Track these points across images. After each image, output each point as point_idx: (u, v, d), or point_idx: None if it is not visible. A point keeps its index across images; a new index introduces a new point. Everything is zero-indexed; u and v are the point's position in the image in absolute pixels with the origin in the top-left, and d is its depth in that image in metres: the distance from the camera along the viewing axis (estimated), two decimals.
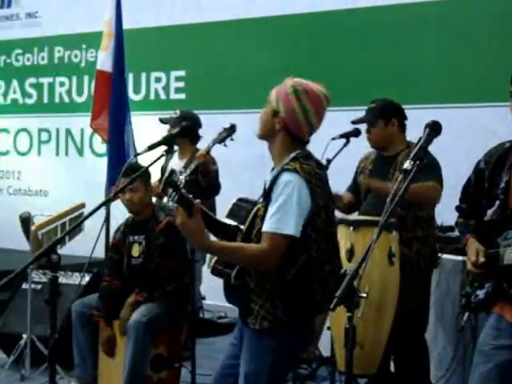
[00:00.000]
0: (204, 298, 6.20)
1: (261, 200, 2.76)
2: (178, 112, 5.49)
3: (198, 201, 2.56)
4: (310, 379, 4.76)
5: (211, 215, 2.78)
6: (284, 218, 2.58)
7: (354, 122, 4.30)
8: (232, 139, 4.51)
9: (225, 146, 4.48)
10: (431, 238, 4.18)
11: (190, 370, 4.36)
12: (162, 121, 5.56)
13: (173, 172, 2.42)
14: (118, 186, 3.31)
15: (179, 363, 4.43)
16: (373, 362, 3.96)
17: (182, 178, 2.43)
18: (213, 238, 2.79)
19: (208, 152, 4.73)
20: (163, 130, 5.57)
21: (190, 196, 2.55)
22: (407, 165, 2.46)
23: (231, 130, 4.46)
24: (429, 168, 3.93)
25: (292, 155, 2.71)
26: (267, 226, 2.60)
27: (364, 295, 2.36)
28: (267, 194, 2.68)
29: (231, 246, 2.68)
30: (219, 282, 6.90)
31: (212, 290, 6.47)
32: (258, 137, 2.86)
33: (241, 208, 2.84)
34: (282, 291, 2.65)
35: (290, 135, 2.76)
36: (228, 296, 2.85)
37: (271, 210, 2.61)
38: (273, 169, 2.82)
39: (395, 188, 2.43)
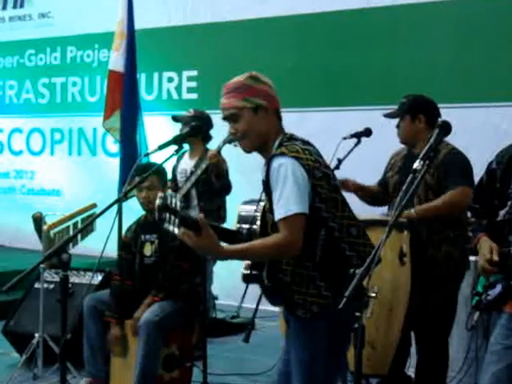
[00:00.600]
0: (217, 298, 6.21)
1: (263, 195, 2.75)
2: (191, 111, 5.50)
3: (201, 215, 2.52)
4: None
5: (218, 226, 2.78)
6: (288, 200, 2.56)
7: (386, 116, 4.24)
8: None
9: (235, 145, 4.47)
10: (462, 239, 4.02)
11: (202, 369, 4.36)
12: (176, 119, 5.56)
13: (164, 197, 2.35)
14: (130, 185, 3.30)
15: (191, 362, 4.43)
16: (384, 362, 3.94)
17: (175, 200, 2.35)
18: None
19: (219, 152, 4.74)
20: (176, 130, 5.59)
21: (190, 215, 2.51)
22: (417, 164, 2.44)
23: None
24: (458, 172, 3.89)
25: (277, 142, 2.71)
26: (277, 215, 2.58)
27: (373, 295, 2.35)
28: (266, 187, 2.68)
29: (249, 244, 2.64)
30: (232, 283, 6.92)
31: (225, 290, 6.50)
32: (248, 151, 2.81)
33: (247, 212, 2.83)
34: (317, 271, 2.63)
35: (275, 115, 2.77)
36: (268, 297, 2.83)
37: (274, 198, 2.60)
38: (265, 163, 2.80)
39: (404, 188, 2.42)
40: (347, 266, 2.62)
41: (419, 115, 4.08)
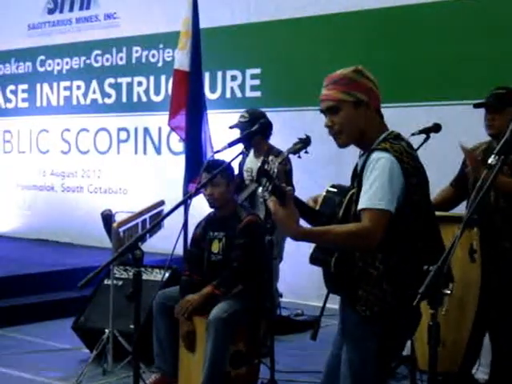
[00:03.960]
0: (281, 296, 6.21)
1: (354, 185, 2.69)
2: (246, 115, 5.47)
3: (289, 188, 2.51)
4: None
5: (304, 202, 2.74)
6: (378, 193, 2.50)
7: (476, 106, 4.14)
8: (306, 152, 4.44)
9: (299, 157, 4.44)
10: None
11: (269, 366, 4.37)
12: (232, 127, 5.53)
13: (265, 162, 2.39)
14: (200, 182, 3.32)
15: (258, 360, 4.44)
16: (454, 360, 3.89)
17: (274, 167, 2.38)
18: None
19: (283, 160, 4.74)
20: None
21: (283, 184, 2.51)
22: (492, 160, 2.38)
23: (306, 142, 4.42)
24: None
25: (382, 136, 2.64)
26: (363, 203, 2.53)
27: (448, 292, 2.30)
28: (359, 177, 2.63)
29: (326, 228, 2.58)
30: (296, 280, 6.94)
31: (289, 288, 6.50)
32: (342, 146, 2.73)
33: (334, 195, 2.77)
34: (388, 276, 2.58)
35: (377, 113, 2.71)
36: (328, 284, 2.80)
37: (364, 187, 2.55)
38: (362, 154, 2.75)
39: (479, 184, 2.36)
40: (419, 280, 2.50)
41: None
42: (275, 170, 2.42)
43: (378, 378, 2.70)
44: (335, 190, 2.79)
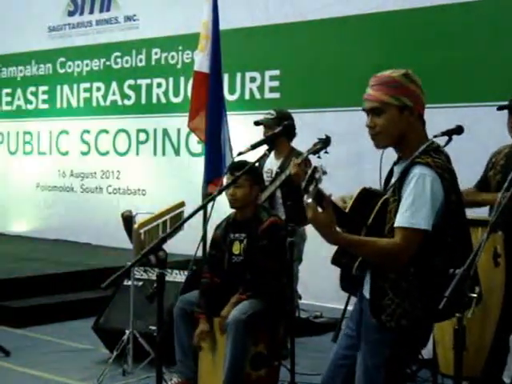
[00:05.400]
0: (300, 298, 6.20)
1: (389, 193, 2.67)
2: (273, 113, 5.47)
3: (330, 194, 2.53)
4: (410, 381, 4.67)
5: (336, 205, 2.73)
6: (418, 212, 2.51)
7: (499, 109, 4.11)
8: (326, 152, 4.43)
9: (319, 157, 4.42)
10: None
11: (289, 368, 4.35)
12: (258, 123, 5.54)
13: (316, 168, 2.38)
14: (223, 183, 3.32)
15: (278, 362, 4.43)
16: (476, 364, 3.86)
17: (321, 174, 2.39)
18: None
19: (302, 162, 4.73)
20: (257, 130, 5.60)
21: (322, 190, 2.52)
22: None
23: (326, 142, 4.40)
24: None
25: (423, 147, 2.64)
26: (400, 221, 2.54)
27: (474, 295, 2.28)
28: (398, 188, 2.61)
29: (362, 239, 2.60)
30: (315, 282, 6.90)
31: (308, 290, 6.49)
32: (380, 147, 2.72)
33: (365, 199, 2.74)
34: (419, 290, 2.58)
35: (420, 119, 2.70)
36: (344, 285, 2.81)
37: (404, 204, 2.55)
38: (397, 160, 2.74)
39: (505, 187, 2.35)
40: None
41: None
42: (321, 176, 2.41)
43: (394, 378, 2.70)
44: (367, 193, 2.76)
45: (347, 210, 2.70)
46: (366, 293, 2.71)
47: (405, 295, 2.58)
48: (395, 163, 2.76)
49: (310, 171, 2.44)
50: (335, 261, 2.75)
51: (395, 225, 2.54)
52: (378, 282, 2.62)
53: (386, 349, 2.64)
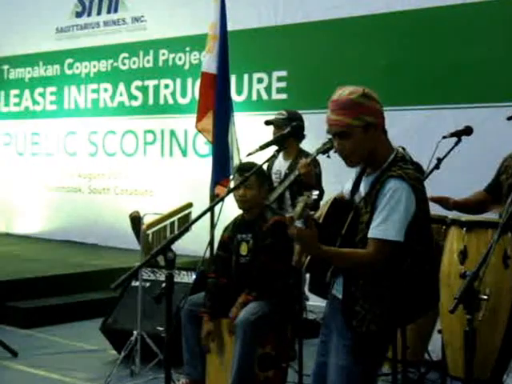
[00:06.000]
0: (307, 299, 6.18)
1: (361, 204, 2.75)
2: (284, 113, 5.45)
3: (311, 212, 2.59)
4: (418, 383, 4.66)
5: (315, 219, 2.79)
6: (391, 225, 2.61)
7: (509, 118, 4.09)
8: (336, 151, 4.42)
9: (328, 157, 4.41)
10: None
11: (297, 370, 4.34)
12: (269, 122, 5.52)
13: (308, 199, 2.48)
14: (230, 184, 3.32)
15: (286, 363, 4.42)
16: (485, 366, 3.83)
17: (311, 199, 2.48)
18: None
19: (311, 161, 4.72)
20: (265, 131, 5.58)
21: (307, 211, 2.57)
22: None
23: None
24: None
25: (390, 158, 2.73)
26: (375, 233, 2.63)
27: (485, 297, 2.28)
28: (372, 201, 2.68)
29: (340, 251, 2.71)
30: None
31: None
32: (352, 166, 2.83)
33: (338, 208, 2.84)
34: (390, 295, 2.67)
35: (383, 131, 2.78)
36: (314, 290, 2.94)
37: (379, 216, 2.64)
38: (363, 171, 2.84)
39: None
40: (418, 298, 2.70)
41: None
42: (312, 201, 2.47)
43: (366, 381, 2.78)
44: (337, 204, 2.86)
45: (320, 220, 2.79)
46: (338, 293, 2.79)
47: (374, 301, 2.67)
48: (361, 173, 2.84)
49: (302, 205, 2.48)
50: (308, 269, 2.81)
51: (369, 235, 2.64)
52: (350, 289, 2.72)
53: (365, 357, 2.73)
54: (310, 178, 4.77)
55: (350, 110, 2.69)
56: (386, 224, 2.61)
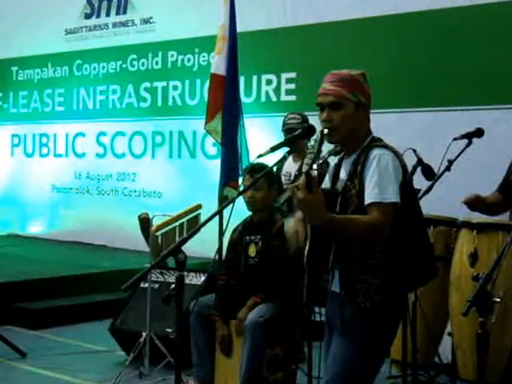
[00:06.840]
0: None
1: (346, 183, 2.74)
2: (298, 117, 5.43)
3: (314, 173, 2.60)
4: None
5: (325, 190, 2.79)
6: (385, 187, 2.62)
7: None
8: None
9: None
10: None
11: (306, 372, 4.32)
12: (288, 130, 5.46)
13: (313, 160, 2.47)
14: (241, 185, 3.31)
15: (295, 365, 4.41)
16: (496, 369, 3.82)
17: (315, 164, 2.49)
18: None
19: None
20: (274, 132, 5.58)
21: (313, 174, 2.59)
22: None
23: None
24: None
25: (368, 139, 2.77)
26: (372, 197, 2.63)
27: (498, 300, 2.26)
28: (359, 173, 2.69)
29: (347, 217, 2.67)
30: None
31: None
32: (333, 142, 2.85)
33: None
34: (389, 264, 2.66)
35: (368, 118, 2.83)
36: (312, 298, 2.96)
37: (371, 183, 2.64)
38: (342, 156, 2.87)
39: None
40: (416, 266, 2.70)
41: None
42: (315, 166, 2.47)
43: (368, 374, 2.76)
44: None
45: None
46: (336, 288, 2.76)
47: (375, 272, 2.66)
48: (341, 160, 2.88)
49: (319, 136, 2.49)
50: (308, 261, 2.78)
51: (367, 202, 2.64)
52: (348, 269, 2.70)
53: (365, 337, 2.69)
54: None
55: (349, 84, 2.75)
56: (380, 187, 2.62)
